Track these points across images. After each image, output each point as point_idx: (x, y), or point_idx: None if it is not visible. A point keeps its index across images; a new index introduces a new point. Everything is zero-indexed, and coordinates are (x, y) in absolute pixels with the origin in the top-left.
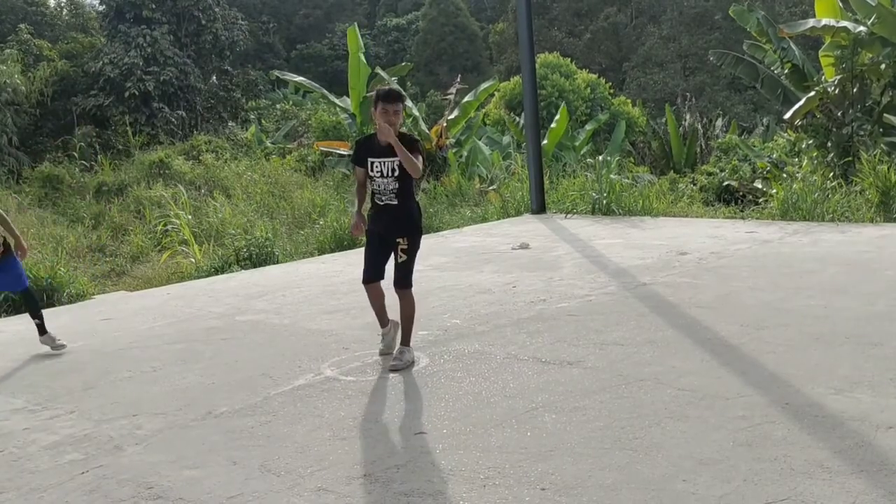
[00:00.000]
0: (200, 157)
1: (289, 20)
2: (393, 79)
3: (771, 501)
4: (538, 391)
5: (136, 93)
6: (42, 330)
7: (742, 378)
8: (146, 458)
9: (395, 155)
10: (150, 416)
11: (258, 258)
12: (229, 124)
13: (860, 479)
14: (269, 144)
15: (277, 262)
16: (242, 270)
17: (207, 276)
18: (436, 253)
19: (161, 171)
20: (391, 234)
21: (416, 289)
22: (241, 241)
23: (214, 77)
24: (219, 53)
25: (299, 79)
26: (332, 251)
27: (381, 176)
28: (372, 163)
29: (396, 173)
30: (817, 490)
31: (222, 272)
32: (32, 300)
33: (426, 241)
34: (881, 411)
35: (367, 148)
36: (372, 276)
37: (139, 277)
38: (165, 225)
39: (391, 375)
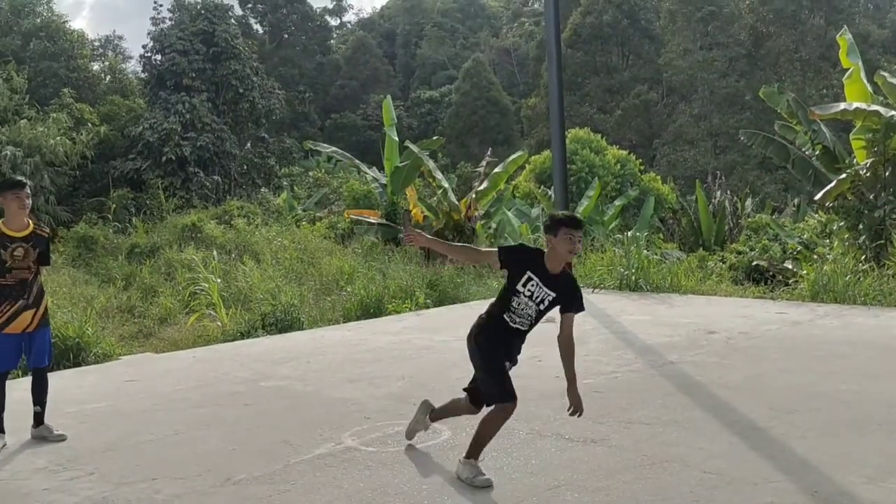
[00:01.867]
0: (232, 222)
1: (325, 90)
2: (425, 152)
3: None
4: (561, 469)
5: (173, 157)
6: (39, 419)
7: (771, 463)
8: None
9: (555, 290)
10: (169, 481)
11: (284, 323)
12: (262, 190)
13: None
14: (300, 211)
15: (303, 329)
16: (268, 335)
17: (233, 340)
18: (462, 324)
19: (193, 235)
20: (512, 358)
21: (441, 358)
22: (267, 307)
23: (249, 144)
24: (255, 121)
25: (332, 149)
26: (358, 319)
27: (530, 298)
28: (530, 279)
29: (544, 306)
30: None
31: (248, 337)
32: (45, 382)
33: (453, 311)
34: None
35: (531, 261)
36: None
37: (166, 339)
38: (194, 288)
39: (412, 448)
